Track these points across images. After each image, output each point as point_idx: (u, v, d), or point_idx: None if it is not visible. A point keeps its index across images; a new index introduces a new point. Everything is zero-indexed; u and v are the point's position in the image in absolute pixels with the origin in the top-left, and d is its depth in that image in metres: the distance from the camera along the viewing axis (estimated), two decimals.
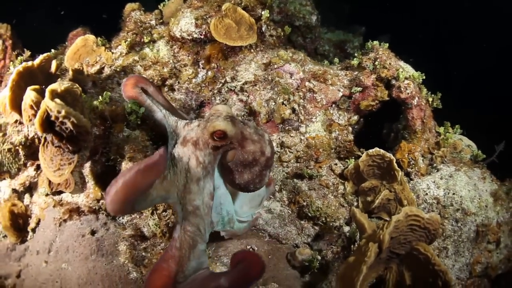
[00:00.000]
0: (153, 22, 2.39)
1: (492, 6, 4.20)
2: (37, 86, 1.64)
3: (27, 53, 2.60)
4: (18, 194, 2.13)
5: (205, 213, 1.41)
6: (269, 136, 1.48)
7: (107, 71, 2.23)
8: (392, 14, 4.24)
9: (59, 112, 1.29)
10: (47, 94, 1.39)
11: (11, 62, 2.60)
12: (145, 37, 2.32)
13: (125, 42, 2.26)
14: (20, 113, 1.74)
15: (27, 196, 2.12)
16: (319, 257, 1.72)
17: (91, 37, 2.38)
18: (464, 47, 4.54)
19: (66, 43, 2.78)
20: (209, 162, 1.40)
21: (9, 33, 2.69)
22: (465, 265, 1.90)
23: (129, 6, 2.48)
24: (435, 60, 4.57)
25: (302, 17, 3.02)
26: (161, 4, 2.52)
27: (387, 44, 2.31)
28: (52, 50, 2.72)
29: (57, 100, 1.32)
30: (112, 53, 2.30)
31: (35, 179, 2.07)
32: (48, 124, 1.36)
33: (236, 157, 1.39)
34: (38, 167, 2.10)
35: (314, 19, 3.07)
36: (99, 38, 2.37)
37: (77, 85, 1.51)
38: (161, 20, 2.43)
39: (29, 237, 1.98)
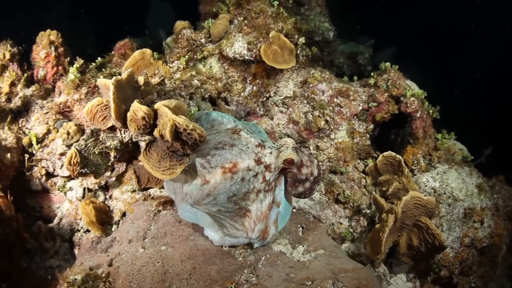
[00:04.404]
0: (203, 40, 3.36)
1: (496, 11, 5.43)
2: (138, 100, 2.57)
3: (80, 61, 3.16)
4: (93, 192, 3.01)
5: (260, 219, 2.39)
6: (317, 161, 2.36)
7: (167, 83, 3.19)
8: (398, 23, 5.46)
9: (187, 126, 2.26)
10: (167, 110, 2.36)
11: (65, 69, 3.36)
12: (197, 54, 3.30)
13: (183, 58, 3.22)
14: (122, 122, 2.65)
15: (100, 193, 3.01)
16: (351, 230, 2.86)
17: (148, 51, 3.26)
18: (467, 53, 5.83)
19: (113, 52, 3.62)
20: (273, 180, 2.36)
21: (60, 40, 3.21)
22: (456, 238, 3.09)
23: (179, 24, 3.41)
24: (438, 66, 5.85)
25: (321, 33, 4.15)
26: (206, 23, 3.50)
27: (397, 66, 3.48)
28: (99, 58, 3.56)
29: (182, 117, 2.29)
30: (170, 67, 3.25)
31: (111, 179, 2.97)
32: (175, 134, 2.32)
33: (294, 176, 2.35)
34: (113, 169, 3.00)
35: (332, 35, 4.21)
36: (154, 53, 3.30)
37: (181, 101, 2.49)
38: (209, 39, 3.41)
39: (113, 229, 2.77)
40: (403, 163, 3.06)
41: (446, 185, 3.19)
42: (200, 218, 2.37)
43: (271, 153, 2.34)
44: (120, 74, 2.82)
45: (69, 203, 2.94)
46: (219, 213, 2.42)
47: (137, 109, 2.43)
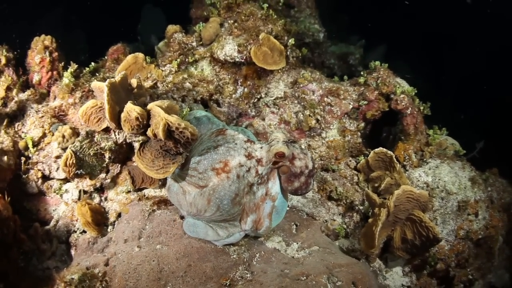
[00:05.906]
0: (194, 44, 3.45)
1: (486, 11, 5.56)
2: (131, 101, 2.64)
3: (74, 65, 3.22)
4: (88, 194, 3.06)
5: (253, 210, 2.46)
6: (311, 154, 2.39)
7: (160, 86, 3.26)
8: (388, 23, 5.58)
9: (179, 124, 2.32)
10: (160, 110, 2.42)
11: (59, 74, 3.42)
12: (189, 57, 3.38)
13: (175, 61, 3.30)
14: (116, 123, 2.71)
15: (95, 195, 3.06)
16: (345, 226, 2.91)
17: (140, 55, 3.34)
18: (456, 51, 5.97)
19: (106, 57, 3.69)
20: (266, 174, 2.42)
21: (54, 45, 3.26)
22: (451, 231, 3.13)
23: (171, 28, 3.50)
24: (429, 63, 5.96)
25: (311, 34, 4.25)
26: (197, 27, 3.59)
27: (387, 64, 3.56)
28: (92, 63, 3.63)
29: (175, 116, 2.36)
30: (162, 70, 3.33)
31: (106, 180, 3.02)
32: (168, 133, 2.38)
33: (288, 170, 2.37)
34: (107, 171, 3.06)
35: (322, 36, 4.30)
36: (147, 57, 3.38)
37: (173, 102, 2.56)
38: (201, 42, 3.50)
39: (109, 230, 2.82)
40: (394, 159, 3.13)
41: (439, 179, 3.25)
42: (194, 230, 2.48)
43: (261, 147, 2.40)
44: (113, 78, 2.88)
45: (65, 205, 3.00)
46: (225, 222, 2.49)
47: (131, 109, 2.50)
